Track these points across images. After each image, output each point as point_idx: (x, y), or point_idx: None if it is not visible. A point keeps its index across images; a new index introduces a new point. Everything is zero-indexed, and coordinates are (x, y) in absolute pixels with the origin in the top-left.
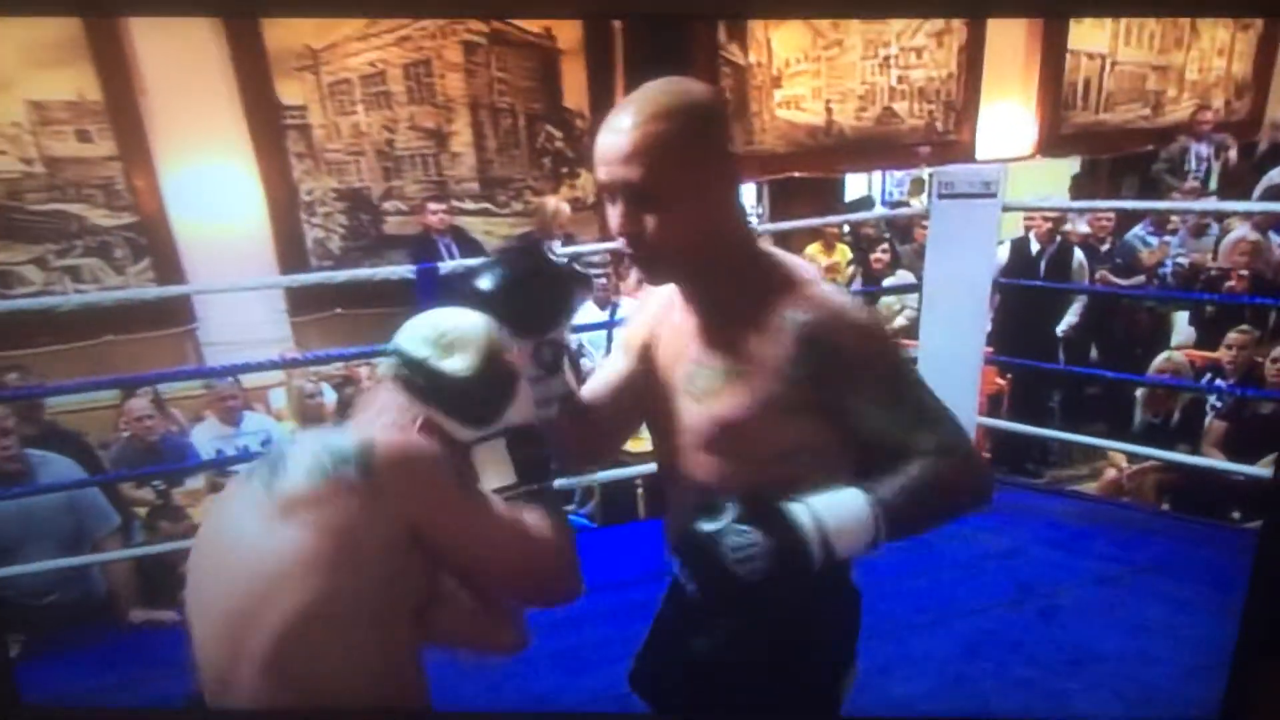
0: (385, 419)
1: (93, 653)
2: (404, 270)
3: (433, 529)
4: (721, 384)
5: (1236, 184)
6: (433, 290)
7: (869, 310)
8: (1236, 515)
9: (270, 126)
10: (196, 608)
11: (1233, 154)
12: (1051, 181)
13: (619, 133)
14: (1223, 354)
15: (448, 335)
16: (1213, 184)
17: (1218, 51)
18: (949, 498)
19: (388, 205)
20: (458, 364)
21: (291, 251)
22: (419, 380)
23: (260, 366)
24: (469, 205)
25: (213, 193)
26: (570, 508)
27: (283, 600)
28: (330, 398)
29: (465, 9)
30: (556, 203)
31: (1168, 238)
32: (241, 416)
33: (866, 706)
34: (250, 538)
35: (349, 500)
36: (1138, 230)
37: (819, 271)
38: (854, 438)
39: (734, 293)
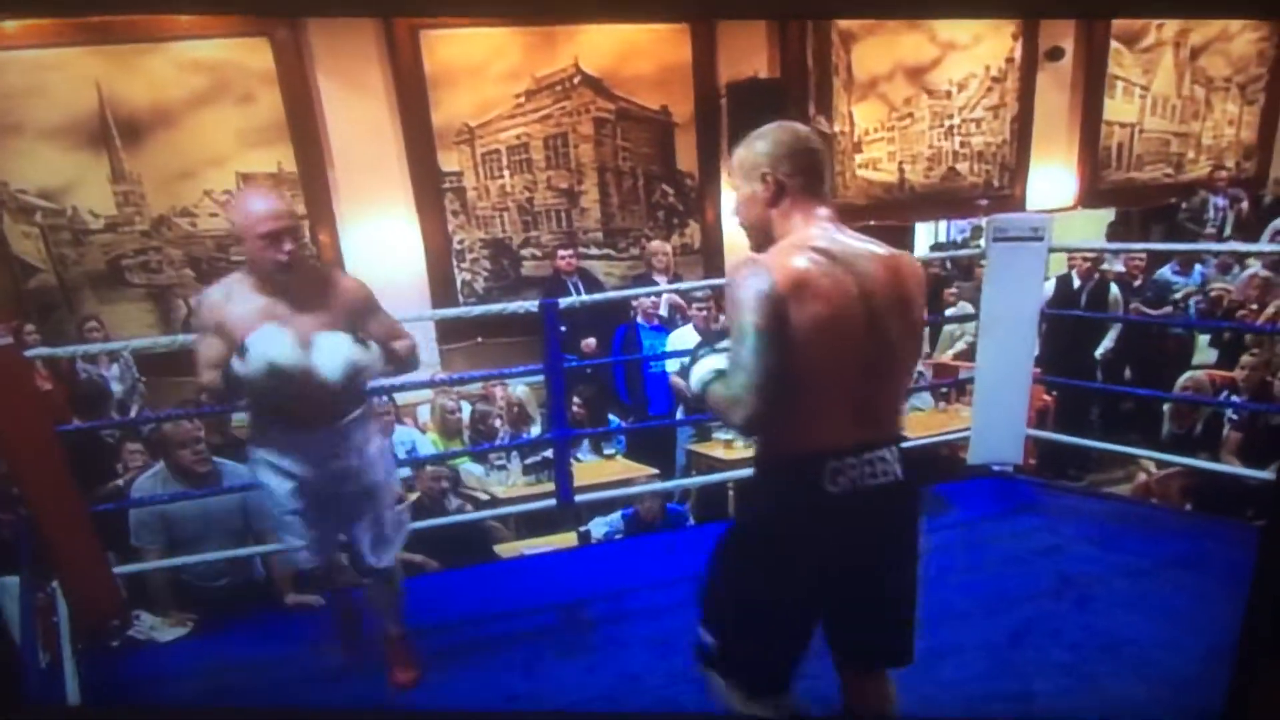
0: None
1: (252, 630)
2: (530, 305)
3: None
4: None
5: (1248, 230)
6: (555, 321)
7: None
8: (1250, 514)
9: (431, 189)
10: None
11: (1244, 205)
12: (1091, 229)
13: None
14: (1238, 374)
15: None
16: (1228, 230)
17: (1228, 122)
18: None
19: (525, 252)
20: None
21: (443, 291)
22: None
23: (411, 386)
24: (594, 251)
25: (381, 244)
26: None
27: None
28: (467, 412)
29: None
30: (659, 244)
31: (1195, 277)
32: (393, 429)
33: (922, 689)
34: None
35: None
36: (1165, 270)
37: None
38: None
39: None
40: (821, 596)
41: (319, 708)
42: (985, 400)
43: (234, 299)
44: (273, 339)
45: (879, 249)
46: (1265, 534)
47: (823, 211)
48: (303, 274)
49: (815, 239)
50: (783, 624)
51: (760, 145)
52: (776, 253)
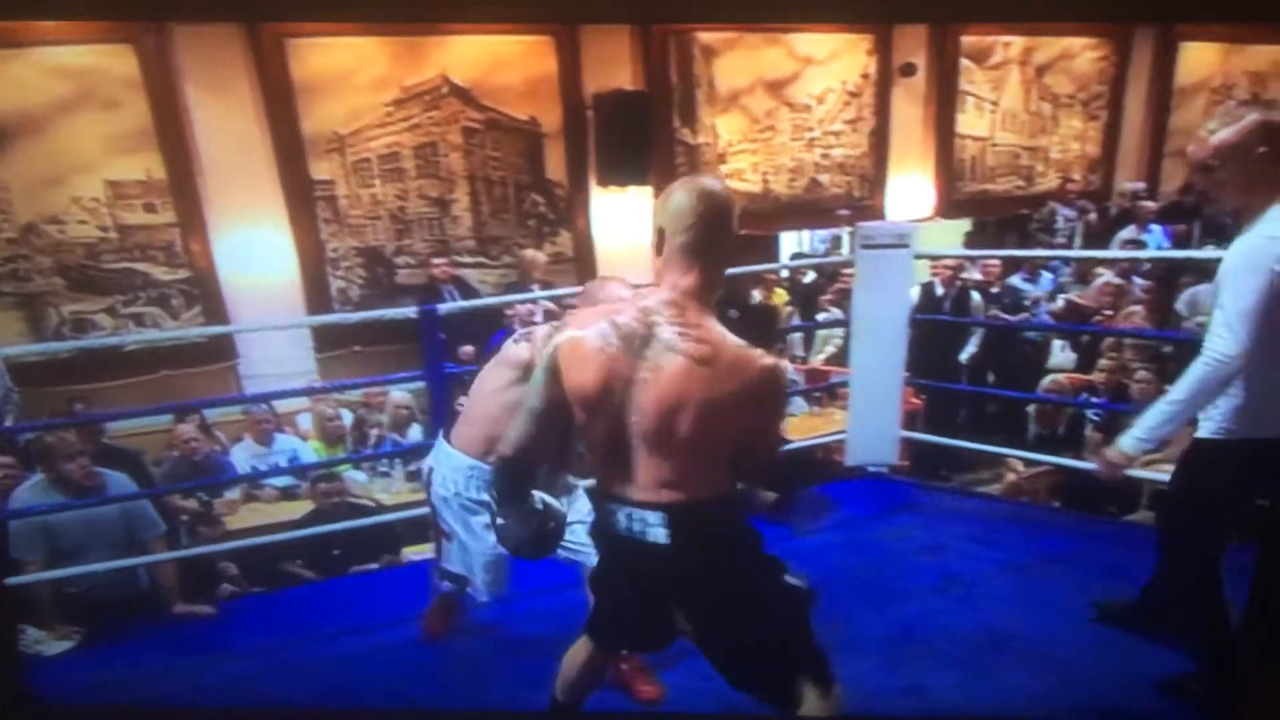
0: None
1: (141, 642)
2: (408, 311)
3: None
4: None
5: (1096, 240)
6: (435, 328)
7: None
8: (1114, 510)
9: (303, 197)
10: None
11: (1092, 216)
12: (949, 238)
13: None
14: (1096, 376)
15: None
16: (1077, 240)
17: (1074, 137)
18: None
19: (399, 260)
20: None
21: (318, 299)
22: None
23: (290, 394)
24: (467, 259)
25: (254, 252)
26: None
27: None
28: (348, 420)
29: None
30: (533, 254)
31: (1044, 284)
32: (274, 438)
33: None
34: None
35: None
36: (1014, 279)
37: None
38: None
39: None
40: (634, 617)
41: (319, 708)
42: (860, 403)
43: None
44: None
45: (705, 354)
46: (1264, 541)
47: (683, 282)
48: None
49: (635, 310)
50: (608, 610)
51: (666, 197)
52: (591, 311)
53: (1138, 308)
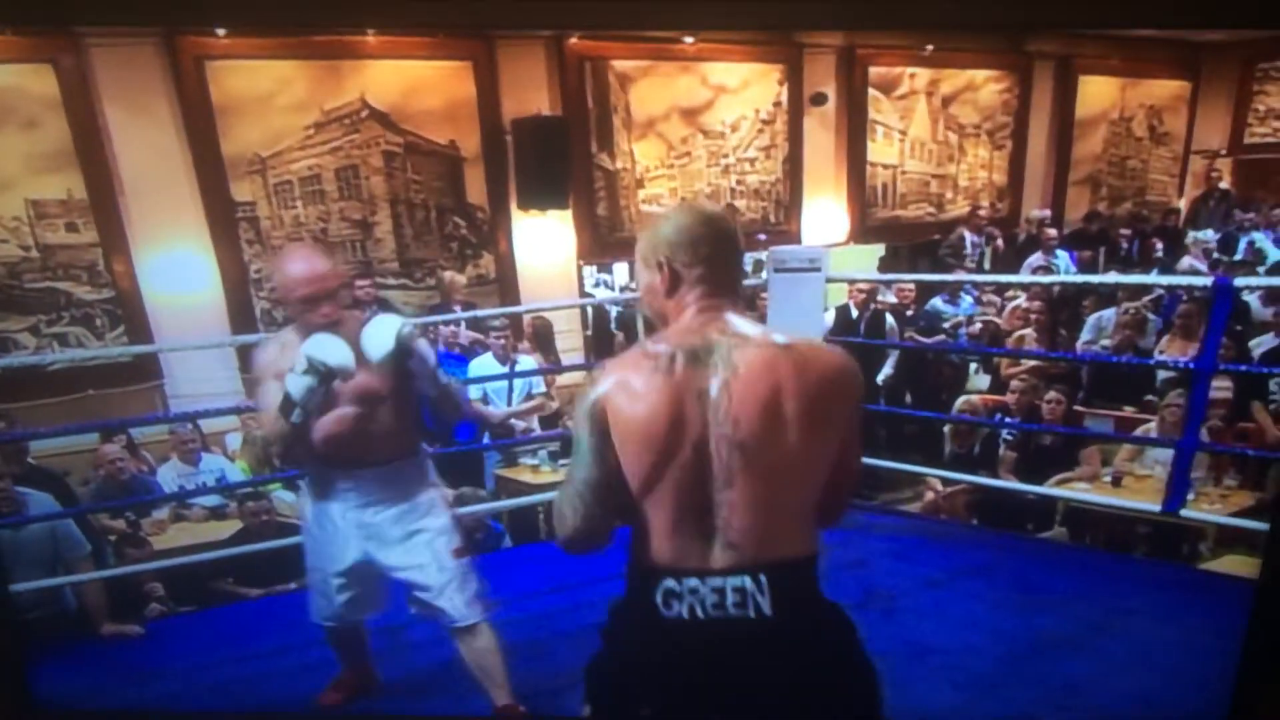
0: None
1: (68, 661)
2: None
3: None
4: None
5: (1004, 264)
6: None
7: None
8: (1030, 527)
9: (225, 218)
10: None
11: (1000, 242)
12: (864, 263)
13: None
14: (1009, 398)
15: None
16: (986, 265)
17: (981, 165)
18: None
19: None
20: None
21: (242, 320)
22: None
23: (214, 413)
24: (390, 281)
25: (177, 272)
26: None
27: None
28: None
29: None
30: (452, 276)
31: (966, 308)
32: (200, 457)
33: None
34: None
35: None
36: (935, 301)
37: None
38: None
39: None
40: None
41: (318, 708)
42: None
43: (289, 347)
44: (323, 342)
45: (777, 343)
46: (1267, 552)
47: (715, 301)
48: (349, 321)
49: (675, 334)
50: None
51: (661, 230)
52: (625, 353)
53: (1028, 330)
